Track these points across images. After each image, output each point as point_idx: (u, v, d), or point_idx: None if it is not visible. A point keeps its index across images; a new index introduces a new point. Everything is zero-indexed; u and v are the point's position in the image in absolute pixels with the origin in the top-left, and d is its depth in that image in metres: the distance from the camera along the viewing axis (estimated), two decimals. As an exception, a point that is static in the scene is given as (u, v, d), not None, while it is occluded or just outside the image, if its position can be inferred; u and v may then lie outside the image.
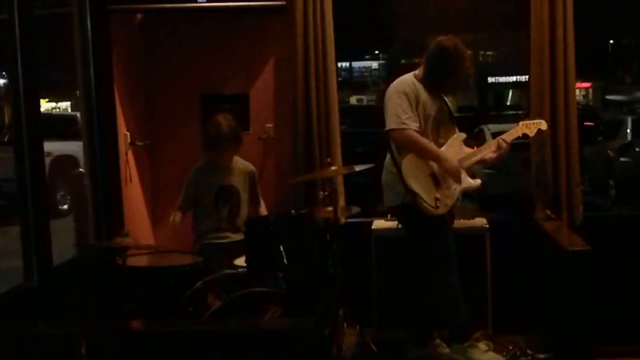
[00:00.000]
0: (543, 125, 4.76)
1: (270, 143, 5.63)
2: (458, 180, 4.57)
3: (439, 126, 4.63)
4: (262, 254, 4.27)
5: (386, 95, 4.62)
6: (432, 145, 4.54)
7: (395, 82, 4.63)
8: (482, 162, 4.77)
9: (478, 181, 4.76)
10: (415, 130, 4.47)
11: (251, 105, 5.64)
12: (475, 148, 4.72)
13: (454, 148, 4.64)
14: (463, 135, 4.70)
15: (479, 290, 5.00)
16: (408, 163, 4.50)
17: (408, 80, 4.60)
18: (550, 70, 5.06)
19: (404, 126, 4.46)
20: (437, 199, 4.48)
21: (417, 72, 4.63)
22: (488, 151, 4.67)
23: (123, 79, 5.27)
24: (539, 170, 5.17)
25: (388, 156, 4.64)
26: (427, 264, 4.64)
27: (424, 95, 4.55)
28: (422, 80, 4.59)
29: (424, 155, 4.52)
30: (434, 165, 4.53)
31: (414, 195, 4.46)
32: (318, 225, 4.71)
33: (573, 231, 4.92)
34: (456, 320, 4.63)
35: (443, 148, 4.60)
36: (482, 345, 4.64)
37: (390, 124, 4.50)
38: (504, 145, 4.61)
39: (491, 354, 4.62)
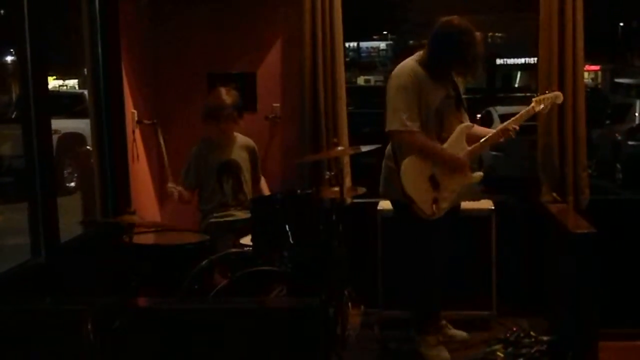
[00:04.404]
0: (559, 98, 4.58)
1: (277, 123, 5.64)
2: (462, 180, 4.42)
3: (443, 118, 4.40)
4: (268, 233, 4.29)
5: (387, 85, 4.41)
6: (435, 147, 4.34)
7: (396, 71, 4.40)
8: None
9: (479, 174, 4.56)
10: (419, 128, 4.27)
11: (258, 85, 5.64)
12: (483, 138, 4.50)
13: (457, 143, 4.40)
14: (468, 127, 4.46)
15: (484, 272, 5.01)
16: (408, 165, 4.31)
17: (408, 68, 4.34)
18: (559, 52, 5.03)
19: (404, 128, 4.25)
20: (434, 204, 4.31)
21: (420, 53, 4.40)
22: (494, 139, 4.48)
23: (130, 57, 5.26)
24: (546, 152, 5.16)
25: (389, 147, 4.50)
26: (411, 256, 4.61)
27: (427, 83, 4.30)
28: (426, 64, 4.33)
29: (428, 157, 4.33)
30: (435, 166, 4.34)
31: (411, 200, 4.31)
32: (324, 205, 4.72)
33: (579, 214, 4.92)
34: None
35: (445, 145, 4.38)
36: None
37: (391, 124, 4.30)
38: (513, 130, 4.40)
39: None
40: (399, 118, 4.27)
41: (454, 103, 4.47)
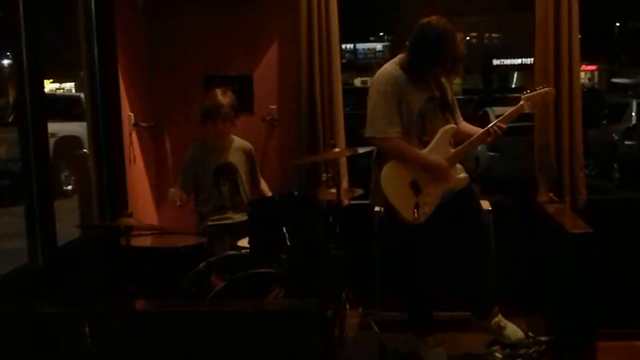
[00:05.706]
0: (550, 94, 4.49)
1: (274, 125, 5.64)
2: (444, 184, 4.36)
3: (425, 120, 4.33)
4: (265, 235, 4.29)
5: (369, 90, 4.39)
6: (415, 152, 4.30)
7: (375, 76, 4.37)
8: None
9: (464, 176, 4.48)
10: (399, 134, 4.25)
11: (255, 87, 5.64)
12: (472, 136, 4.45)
13: (440, 146, 4.34)
14: (451, 129, 4.38)
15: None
16: (388, 172, 4.31)
17: (388, 72, 4.31)
18: (555, 52, 5.03)
19: (384, 135, 4.24)
20: (415, 209, 4.25)
21: (401, 56, 4.36)
22: (480, 140, 4.42)
23: (127, 60, 5.26)
24: (543, 153, 5.16)
25: (374, 152, 4.48)
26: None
27: (408, 86, 4.26)
28: (406, 67, 4.29)
29: (409, 162, 4.31)
30: (416, 172, 4.31)
31: (391, 207, 4.31)
32: (321, 207, 4.72)
33: (576, 214, 4.92)
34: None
35: (427, 149, 4.33)
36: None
37: (371, 130, 4.30)
38: (497, 131, 4.31)
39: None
40: (378, 124, 4.27)
41: (438, 105, 4.41)
